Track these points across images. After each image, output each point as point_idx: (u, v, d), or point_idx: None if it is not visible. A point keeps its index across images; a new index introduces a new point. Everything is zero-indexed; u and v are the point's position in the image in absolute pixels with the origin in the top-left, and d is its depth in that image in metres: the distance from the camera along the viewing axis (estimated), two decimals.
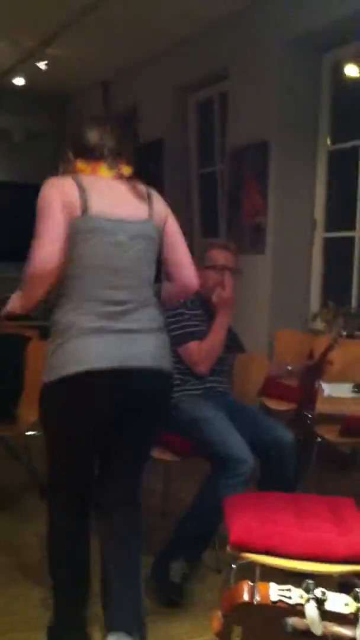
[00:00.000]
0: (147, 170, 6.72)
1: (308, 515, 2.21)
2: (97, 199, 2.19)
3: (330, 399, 2.90)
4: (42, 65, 6.31)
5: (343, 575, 1.98)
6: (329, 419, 3.64)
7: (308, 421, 3.68)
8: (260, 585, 0.93)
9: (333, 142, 5.24)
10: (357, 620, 0.89)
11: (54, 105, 8.03)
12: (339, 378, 3.55)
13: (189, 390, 3.16)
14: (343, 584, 1.93)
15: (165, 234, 2.41)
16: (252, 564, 2.12)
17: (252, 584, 0.94)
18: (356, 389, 3.00)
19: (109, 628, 2.23)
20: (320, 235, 5.33)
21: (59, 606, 2.32)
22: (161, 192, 7.08)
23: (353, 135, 5.01)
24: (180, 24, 5.64)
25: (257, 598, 0.91)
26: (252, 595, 0.92)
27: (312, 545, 1.97)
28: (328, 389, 3.04)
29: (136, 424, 2.27)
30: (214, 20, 5.52)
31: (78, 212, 2.16)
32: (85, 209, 2.16)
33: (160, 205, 2.41)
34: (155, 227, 2.34)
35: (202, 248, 3.41)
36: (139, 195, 2.33)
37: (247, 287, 4.70)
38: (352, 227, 5.05)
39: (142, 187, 2.36)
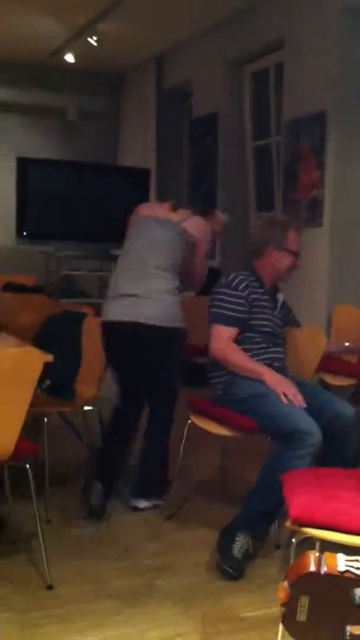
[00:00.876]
0: (201, 144, 6.67)
1: None
2: (146, 209, 3.54)
3: None
4: (93, 41, 6.29)
5: None
6: None
7: None
8: (327, 555, 0.89)
9: None
10: None
11: (108, 83, 8.02)
12: None
13: None
14: None
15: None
16: (313, 540, 2.10)
17: (318, 554, 0.91)
18: None
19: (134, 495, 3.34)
20: None
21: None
22: (215, 165, 7.05)
23: None
24: None
25: (324, 568, 0.87)
26: (319, 565, 0.89)
27: None
28: None
29: (145, 359, 3.28)
30: None
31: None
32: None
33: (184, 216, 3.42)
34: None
35: (272, 222, 3.32)
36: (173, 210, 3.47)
37: (305, 261, 4.59)
38: None
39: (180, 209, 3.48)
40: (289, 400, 2.89)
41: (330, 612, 0.92)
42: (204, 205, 5.01)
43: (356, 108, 5.05)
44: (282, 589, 0.93)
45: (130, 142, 7.85)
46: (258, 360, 3.11)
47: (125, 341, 3.26)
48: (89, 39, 6.32)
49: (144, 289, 3.25)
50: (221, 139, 6.46)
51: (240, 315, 3.09)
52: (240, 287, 3.12)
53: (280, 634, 2.05)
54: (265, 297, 3.20)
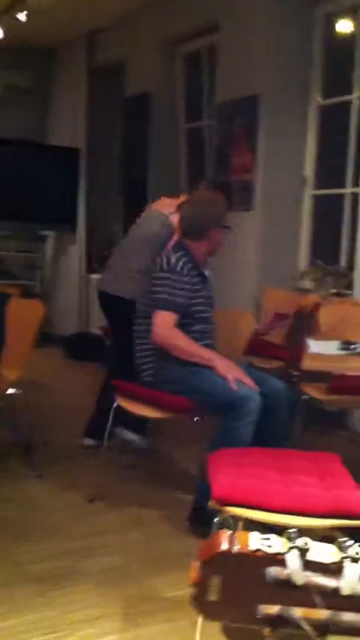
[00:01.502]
0: (133, 124, 6.59)
1: (293, 470, 2.19)
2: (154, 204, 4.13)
3: (317, 356, 2.86)
4: (22, 16, 6.10)
5: (325, 531, 1.96)
6: (316, 377, 3.62)
7: (295, 379, 3.65)
8: (240, 533, 0.88)
9: (324, 97, 5.12)
10: (341, 570, 0.84)
11: (37, 59, 7.80)
12: (326, 336, 3.51)
13: None
14: (325, 540, 1.91)
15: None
16: (235, 519, 2.10)
17: (231, 532, 0.89)
18: (343, 346, 2.95)
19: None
20: (309, 192, 5.24)
21: None
22: (146, 146, 6.95)
23: (345, 90, 4.89)
24: None
25: (237, 546, 0.86)
26: (231, 544, 0.87)
27: (295, 500, 1.95)
28: (315, 346, 3.00)
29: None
30: None
31: None
32: None
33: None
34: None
35: (214, 203, 3.31)
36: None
37: (235, 244, 4.63)
38: (342, 185, 4.97)
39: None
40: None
41: (242, 592, 0.91)
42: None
43: (288, 92, 5.07)
44: (194, 568, 0.91)
45: (60, 120, 7.68)
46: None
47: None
48: (19, 14, 6.12)
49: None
50: (153, 119, 6.39)
51: (185, 302, 3.07)
52: (185, 272, 3.09)
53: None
54: (198, 278, 3.19)
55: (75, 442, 3.90)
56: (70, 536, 2.88)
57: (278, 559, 0.86)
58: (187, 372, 3.01)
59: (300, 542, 0.85)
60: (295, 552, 0.85)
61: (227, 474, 2.11)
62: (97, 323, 5.76)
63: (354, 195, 4.78)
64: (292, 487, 2.03)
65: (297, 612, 0.89)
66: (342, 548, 0.92)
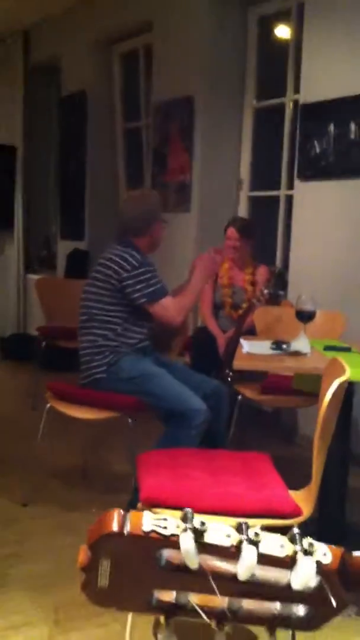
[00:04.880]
0: (70, 122, 6.53)
1: (222, 471, 2.19)
2: None
3: (249, 355, 2.87)
4: None
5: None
6: (252, 378, 3.65)
7: (229, 379, 3.68)
8: (132, 514, 0.83)
9: (259, 99, 5.17)
10: (239, 553, 0.82)
11: None
12: (261, 337, 3.54)
13: (128, 348, 3.12)
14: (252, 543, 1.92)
15: None
16: None
17: (123, 512, 0.84)
18: (275, 346, 2.98)
19: None
20: (245, 194, 5.29)
21: None
22: (84, 145, 6.89)
23: (279, 93, 4.95)
24: None
25: (128, 528, 0.82)
26: (122, 525, 0.83)
27: (222, 500, 1.95)
28: (247, 346, 3.01)
29: None
30: None
31: None
32: None
33: None
34: None
35: (153, 199, 3.40)
36: None
37: (172, 246, 4.63)
38: (277, 187, 5.03)
39: None
40: (174, 380, 2.98)
41: (135, 577, 0.87)
42: None
43: (223, 93, 5.10)
44: (83, 551, 0.86)
45: None
46: (136, 347, 3.13)
47: None
48: None
49: None
50: (91, 118, 6.34)
51: (163, 282, 3.14)
52: (145, 261, 3.12)
53: (130, 615, 2.04)
54: None
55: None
56: (0, 542, 2.83)
57: (173, 542, 0.82)
58: (145, 373, 3.03)
59: (196, 522, 0.82)
60: (189, 534, 0.81)
61: (155, 475, 2.10)
62: (36, 324, 5.68)
63: (288, 197, 4.84)
64: (220, 488, 2.03)
65: (194, 599, 0.86)
66: (295, 540, 0.89)
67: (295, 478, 2.21)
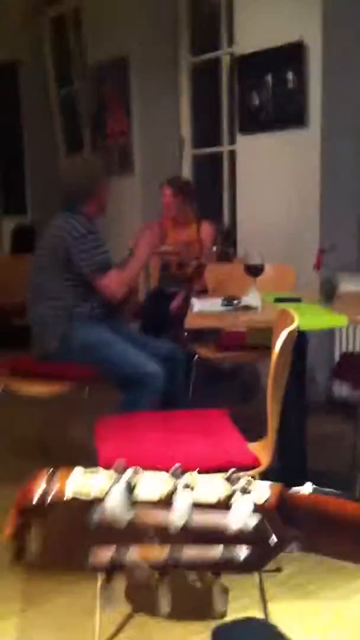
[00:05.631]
0: (1, 93, 6.34)
1: (179, 430, 2.18)
2: None
3: (200, 314, 2.85)
4: None
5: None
6: (206, 336, 3.64)
7: (185, 339, 3.67)
8: (60, 474, 0.79)
9: (194, 55, 5.07)
10: (171, 504, 0.78)
11: None
12: (213, 295, 3.52)
13: (81, 317, 3.06)
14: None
15: None
16: None
17: (51, 473, 0.80)
18: (225, 303, 2.96)
19: None
20: (188, 152, 5.22)
21: None
22: (18, 116, 6.66)
23: (214, 46, 4.87)
24: None
25: (51, 496, 0.77)
26: (46, 492, 0.78)
27: (180, 458, 1.93)
28: (198, 304, 2.98)
29: None
30: None
31: None
32: None
33: None
34: None
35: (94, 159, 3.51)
36: None
37: (117, 209, 4.56)
38: (219, 143, 4.97)
39: None
40: (127, 346, 2.95)
41: (68, 539, 0.84)
42: None
43: (156, 51, 5.00)
44: (10, 518, 0.82)
45: None
46: (88, 315, 3.07)
47: None
48: None
49: None
50: (23, 87, 6.18)
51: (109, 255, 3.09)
52: (91, 229, 3.05)
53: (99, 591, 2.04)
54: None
55: None
56: None
57: (101, 500, 0.78)
58: (99, 342, 3.00)
59: (126, 475, 0.78)
60: (118, 489, 0.77)
61: (112, 440, 2.08)
62: None
63: (231, 152, 4.79)
64: (178, 446, 2.02)
65: (133, 554, 0.82)
66: (231, 480, 0.85)
67: (257, 432, 2.21)
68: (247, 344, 3.45)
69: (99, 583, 2.04)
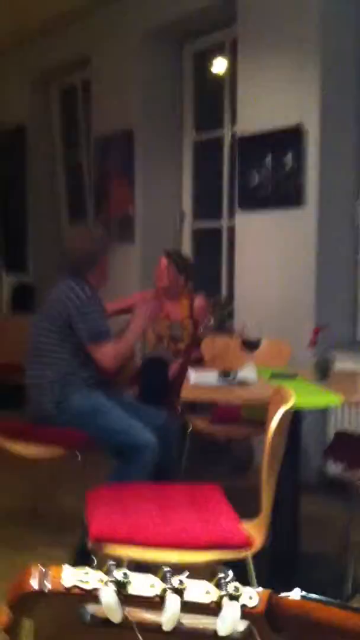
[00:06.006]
0: (8, 159, 6.50)
1: (171, 504, 2.17)
2: None
3: (196, 386, 2.86)
4: None
5: (209, 565, 1.94)
6: (201, 408, 3.64)
7: (178, 410, 3.66)
8: (53, 569, 0.81)
9: (198, 132, 5.24)
10: (163, 603, 0.80)
11: None
12: (208, 367, 3.54)
13: (78, 383, 3.08)
14: (212, 575, 1.89)
15: None
16: (119, 559, 2.05)
17: (43, 568, 0.82)
18: (221, 377, 2.97)
19: None
20: (189, 225, 5.33)
21: None
22: (24, 181, 6.80)
23: (217, 125, 5.03)
24: (38, 9, 5.44)
25: (48, 585, 0.79)
26: (42, 582, 0.80)
27: (173, 535, 1.92)
28: (194, 376, 3.00)
29: None
30: (74, 6, 5.38)
31: None
32: None
33: None
34: None
35: (97, 233, 3.60)
36: None
37: (117, 278, 4.61)
38: (219, 217, 5.08)
39: None
40: (123, 414, 2.95)
41: (60, 635, 0.84)
42: None
43: (162, 127, 5.16)
44: (4, 612, 0.83)
45: None
46: (86, 381, 3.09)
47: None
48: None
49: None
50: (30, 154, 6.34)
51: (109, 327, 3.12)
52: (95, 298, 3.10)
53: None
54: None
55: None
56: None
57: (96, 596, 0.80)
58: (95, 408, 3.00)
59: (118, 575, 0.80)
60: (111, 586, 0.79)
61: (104, 511, 2.06)
62: None
63: (230, 227, 4.89)
64: (171, 522, 2.00)
65: None
66: (220, 585, 0.87)
67: (250, 508, 2.19)
68: (241, 418, 3.45)
69: None
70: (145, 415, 3.10)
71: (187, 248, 5.31)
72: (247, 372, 2.94)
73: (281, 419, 1.89)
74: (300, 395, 2.41)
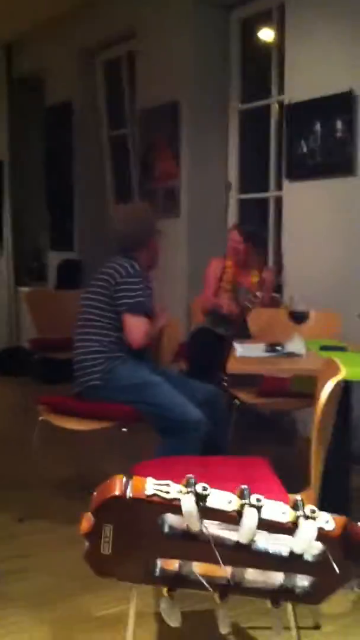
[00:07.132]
0: (56, 134, 6.50)
1: (218, 477, 2.14)
2: None
3: (242, 358, 2.83)
4: None
5: None
6: (248, 381, 3.61)
7: (225, 383, 3.64)
8: (135, 478, 0.81)
9: (243, 102, 5.15)
10: (240, 518, 0.78)
11: None
12: (255, 340, 3.50)
13: (124, 355, 3.08)
14: None
15: None
16: None
17: (125, 478, 0.82)
18: (268, 349, 2.94)
19: None
20: (235, 197, 5.26)
21: None
22: (70, 155, 6.86)
23: (264, 94, 4.93)
24: None
25: (130, 492, 0.79)
26: (124, 489, 0.80)
27: None
28: (241, 349, 2.97)
29: None
30: None
31: None
32: None
33: None
34: None
35: (148, 213, 3.52)
36: None
37: (163, 251, 4.59)
38: (266, 189, 5.00)
39: None
40: (172, 389, 2.95)
41: (138, 543, 0.84)
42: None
43: (208, 98, 5.08)
44: (86, 518, 0.83)
45: None
46: (132, 355, 3.09)
47: None
48: None
49: None
50: (76, 128, 6.32)
51: (149, 305, 3.14)
52: (143, 276, 3.12)
53: (130, 630, 2.00)
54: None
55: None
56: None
57: (175, 506, 0.79)
58: (144, 382, 2.99)
59: (198, 487, 0.79)
60: (192, 497, 0.78)
61: None
62: (28, 337, 5.63)
63: (277, 198, 4.81)
64: None
65: (197, 569, 0.82)
66: (297, 506, 0.86)
67: (297, 481, 2.16)
68: (289, 391, 3.41)
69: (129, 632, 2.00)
70: (190, 389, 3.09)
71: (232, 219, 5.24)
72: (295, 344, 2.90)
73: (332, 391, 1.84)
74: (350, 367, 2.36)
